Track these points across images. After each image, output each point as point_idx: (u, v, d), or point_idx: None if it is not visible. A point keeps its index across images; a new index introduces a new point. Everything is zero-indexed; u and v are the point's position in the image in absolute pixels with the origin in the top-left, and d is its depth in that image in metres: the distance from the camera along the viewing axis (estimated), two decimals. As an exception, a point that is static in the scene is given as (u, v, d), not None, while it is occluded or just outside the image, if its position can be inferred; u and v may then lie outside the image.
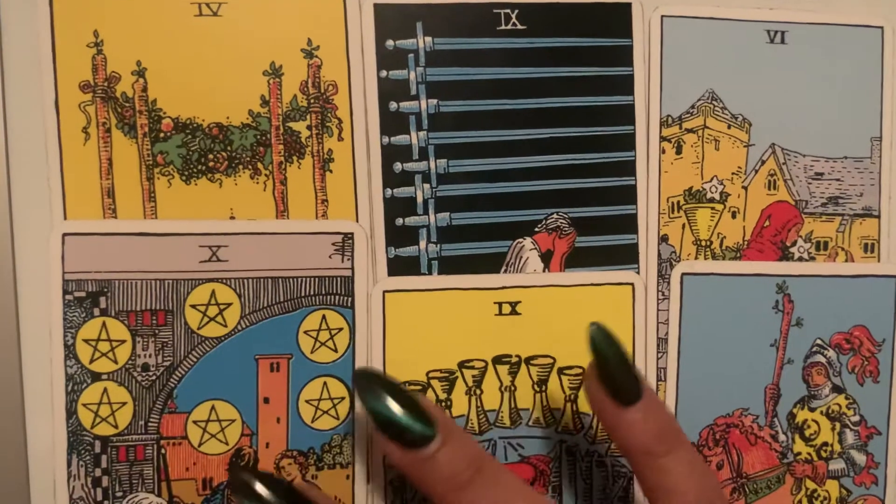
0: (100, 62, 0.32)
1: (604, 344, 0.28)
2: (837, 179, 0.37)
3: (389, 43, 0.33)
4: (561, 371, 0.35)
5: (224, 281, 0.32)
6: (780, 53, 0.36)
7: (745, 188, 0.36)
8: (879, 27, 0.37)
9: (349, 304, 0.33)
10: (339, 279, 0.33)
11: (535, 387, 0.35)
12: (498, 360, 0.34)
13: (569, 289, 0.35)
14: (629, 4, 0.35)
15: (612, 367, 0.28)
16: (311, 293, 0.33)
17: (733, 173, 0.36)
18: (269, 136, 0.33)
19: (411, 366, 0.34)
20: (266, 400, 0.33)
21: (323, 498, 0.29)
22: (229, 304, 0.32)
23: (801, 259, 0.37)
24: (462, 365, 0.34)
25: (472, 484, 0.27)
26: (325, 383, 0.33)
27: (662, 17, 0.35)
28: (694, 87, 0.36)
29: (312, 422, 0.33)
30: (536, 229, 0.34)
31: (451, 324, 0.34)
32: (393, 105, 0.33)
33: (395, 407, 0.27)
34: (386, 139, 0.33)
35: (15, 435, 0.31)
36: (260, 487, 0.26)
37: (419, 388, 0.34)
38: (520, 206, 0.34)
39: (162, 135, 0.32)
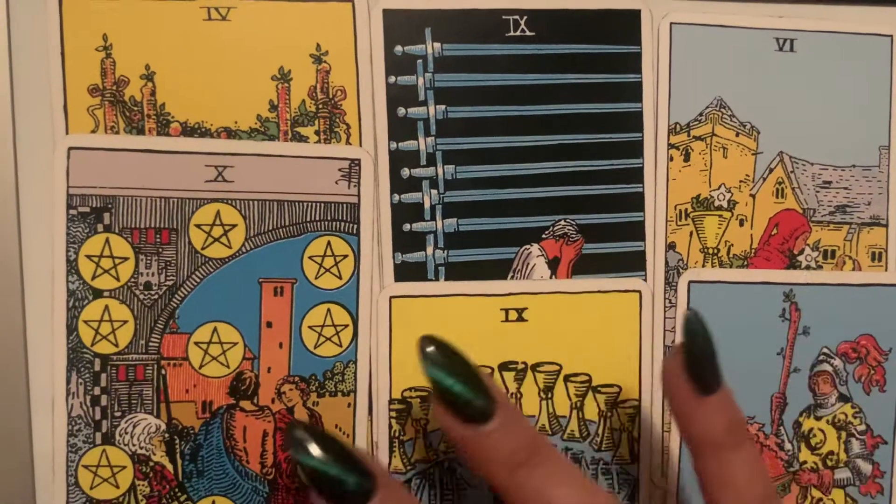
0: (108, 66, 0.32)
1: (701, 334, 0.28)
2: (845, 188, 0.37)
3: (398, 48, 0.33)
4: (567, 378, 0.35)
5: (229, 202, 0.32)
6: (788, 61, 0.36)
7: (753, 196, 0.36)
8: (888, 36, 0.36)
9: (355, 232, 0.33)
10: (345, 205, 0.33)
11: (541, 394, 0.35)
12: (504, 366, 0.34)
13: (576, 296, 0.35)
14: (638, 11, 0.35)
15: (701, 356, 0.28)
16: (317, 218, 0.33)
17: (741, 181, 0.36)
18: (278, 141, 0.33)
19: (418, 372, 0.33)
20: (269, 324, 0.33)
21: (377, 465, 0.27)
22: (234, 226, 0.32)
23: (808, 268, 0.36)
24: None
25: (527, 464, 0.26)
26: (328, 310, 0.33)
27: (671, 24, 0.35)
28: (702, 94, 0.35)
29: (315, 348, 0.33)
30: (544, 236, 0.34)
31: (457, 330, 0.34)
32: (401, 111, 0.33)
33: (458, 379, 0.26)
34: (394, 145, 0.33)
35: (15, 349, 0.31)
36: (315, 448, 0.25)
37: (425, 394, 0.34)
38: (527, 213, 0.34)
39: (170, 139, 0.32)
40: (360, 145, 0.33)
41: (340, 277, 0.33)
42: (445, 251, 0.34)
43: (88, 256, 0.32)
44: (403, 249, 0.34)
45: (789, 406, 0.36)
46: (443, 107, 0.34)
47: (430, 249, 0.34)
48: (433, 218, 0.34)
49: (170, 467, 0.32)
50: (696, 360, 0.28)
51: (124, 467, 0.32)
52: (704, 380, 0.28)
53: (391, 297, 0.33)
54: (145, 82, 0.32)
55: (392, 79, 0.33)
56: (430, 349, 0.26)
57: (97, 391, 0.32)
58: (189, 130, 0.32)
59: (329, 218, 0.33)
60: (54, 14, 0.31)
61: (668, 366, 0.29)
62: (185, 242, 0.32)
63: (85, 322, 0.32)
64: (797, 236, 0.36)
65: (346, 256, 0.33)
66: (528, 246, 0.34)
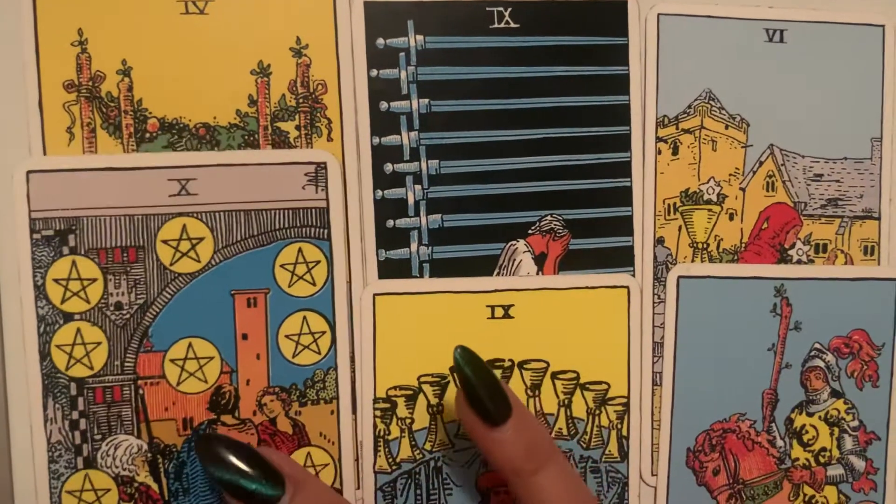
0: (84, 61, 0.31)
1: (468, 367, 0.29)
2: (837, 181, 0.36)
3: (380, 41, 0.33)
4: (554, 375, 0.34)
5: (195, 215, 0.32)
6: (779, 52, 0.35)
7: (743, 189, 0.36)
8: (880, 26, 0.36)
9: (325, 237, 0.32)
10: (314, 210, 0.32)
11: (529, 391, 0.34)
12: (490, 364, 0.34)
13: (563, 292, 0.34)
14: (625, 2, 0.34)
15: (477, 390, 0.29)
16: (286, 226, 0.32)
17: (731, 174, 0.35)
18: (257, 136, 0.32)
19: (402, 370, 0.33)
20: (244, 336, 0.32)
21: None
22: (201, 239, 0.32)
23: (799, 262, 0.36)
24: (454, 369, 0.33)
25: None
26: (304, 317, 0.32)
27: (659, 15, 0.34)
28: (691, 86, 0.35)
29: (293, 357, 0.32)
30: (530, 231, 0.34)
31: (442, 327, 0.33)
32: (383, 105, 0.33)
33: (242, 473, 0.27)
34: (376, 139, 0.33)
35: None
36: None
37: (410, 392, 0.33)
38: (513, 208, 0.34)
39: (148, 135, 0.31)
40: (342, 140, 0.32)
41: (314, 284, 0.32)
42: (430, 247, 0.33)
43: (56, 280, 0.31)
44: (387, 246, 0.33)
45: (781, 402, 0.36)
46: (426, 100, 0.33)
47: (414, 246, 0.33)
48: (417, 214, 0.33)
49: (155, 487, 0.32)
50: (474, 397, 0.29)
51: (109, 490, 0.32)
52: (488, 414, 0.29)
53: (375, 295, 0.33)
54: (122, 77, 0.31)
55: (374, 72, 0.33)
56: (208, 447, 0.28)
57: (75, 415, 0.31)
58: (167, 126, 0.31)
59: (298, 224, 0.32)
60: (28, 8, 0.31)
61: (457, 404, 0.30)
62: (152, 259, 0.31)
63: (57, 346, 0.31)
64: (788, 230, 0.36)
65: (318, 262, 0.32)
66: (514, 242, 0.34)
